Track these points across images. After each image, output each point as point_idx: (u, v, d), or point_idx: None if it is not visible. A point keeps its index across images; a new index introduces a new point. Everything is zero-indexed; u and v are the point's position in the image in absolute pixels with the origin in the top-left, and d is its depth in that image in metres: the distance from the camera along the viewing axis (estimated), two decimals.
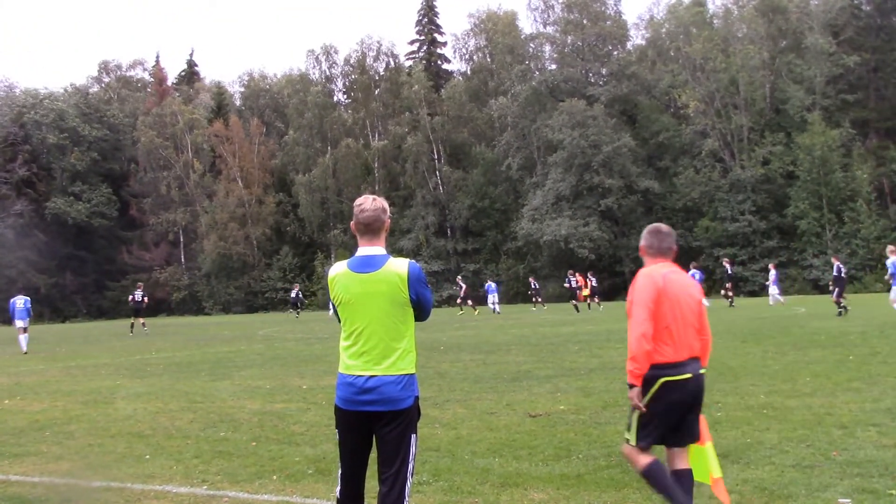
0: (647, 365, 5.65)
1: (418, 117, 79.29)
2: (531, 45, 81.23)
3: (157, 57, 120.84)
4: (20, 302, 31.81)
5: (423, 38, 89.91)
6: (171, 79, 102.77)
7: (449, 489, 7.32)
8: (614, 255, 68.18)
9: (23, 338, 30.62)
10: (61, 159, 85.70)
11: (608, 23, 75.37)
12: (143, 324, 42.44)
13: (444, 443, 9.29)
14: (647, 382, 5.71)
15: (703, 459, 5.93)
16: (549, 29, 79.36)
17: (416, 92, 79.31)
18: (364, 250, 5.20)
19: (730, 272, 44.47)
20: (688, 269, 44.79)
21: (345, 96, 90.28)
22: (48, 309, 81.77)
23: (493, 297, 49.59)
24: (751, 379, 13.38)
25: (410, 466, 5.10)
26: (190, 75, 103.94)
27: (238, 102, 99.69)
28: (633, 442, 5.84)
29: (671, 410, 5.76)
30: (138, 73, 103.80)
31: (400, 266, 5.13)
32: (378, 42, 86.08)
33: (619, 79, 72.30)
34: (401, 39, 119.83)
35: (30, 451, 9.88)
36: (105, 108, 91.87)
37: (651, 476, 5.75)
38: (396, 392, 5.00)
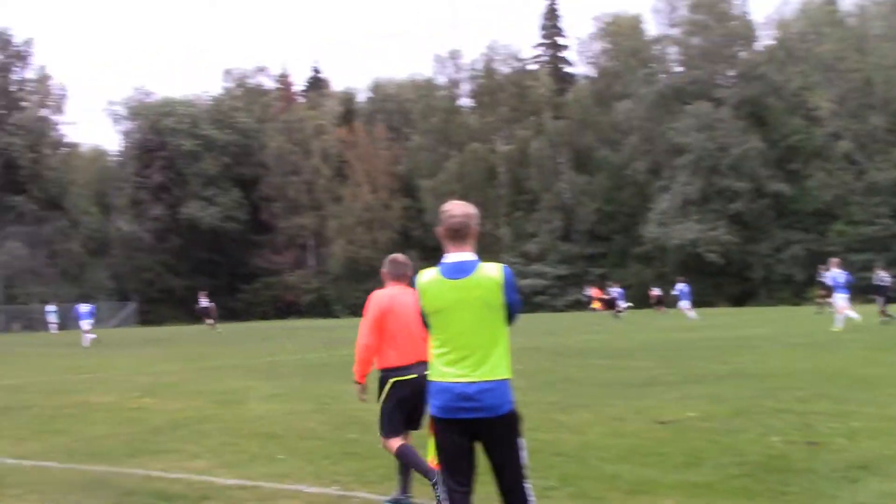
0: (368, 368, 7.26)
1: (543, 121, 79.10)
2: (656, 47, 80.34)
3: (283, 64, 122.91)
4: (86, 307, 38.18)
5: (547, 41, 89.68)
6: (298, 86, 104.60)
7: (577, 495, 7.29)
8: (744, 261, 66.90)
9: (87, 337, 36.16)
10: (195, 165, 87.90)
11: (735, 23, 74.01)
12: (211, 324, 48.76)
13: (571, 448, 9.23)
14: (382, 383, 7.22)
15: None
16: (674, 31, 78.21)
17: (541, 96, 79.14)
18: (453, 256, 5.09)
19: (614, 292, 46.87)
20: (826, 267, 43.92)
21: (470, 100, 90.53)
22: (183, 311, 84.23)
23: None
24: (889, 389, 12.97)
25: (526, 472, 5.10)
26: (316, 82, 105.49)
27: (365, 108, 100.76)
28: (382, 435, 7.30)
29: (403, 403, 7.17)
30: (262, 80, 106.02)
31: (493, 270, 5.03)
32: (505, 46, 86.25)
33: (747, 80, 70.92)
34: (525, 44, 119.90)
35: (169, 449, 10.17)
36: (235, 115, 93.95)
37: (403, 455, 7.17)
38: (496, 398, 4.95)
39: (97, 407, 14.46)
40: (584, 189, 76.93)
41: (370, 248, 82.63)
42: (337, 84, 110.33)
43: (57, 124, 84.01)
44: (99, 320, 72.50)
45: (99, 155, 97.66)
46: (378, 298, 7.21)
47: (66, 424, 12.53)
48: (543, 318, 53.67)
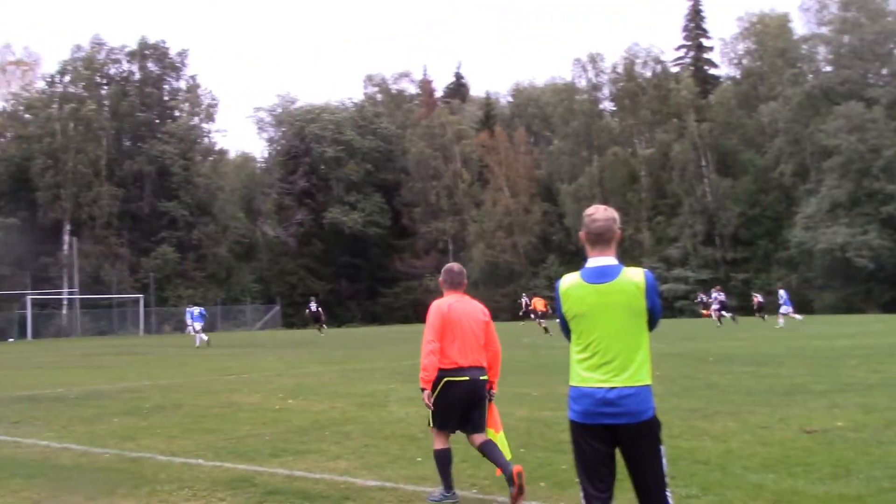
0: (434, 373, 7.50)
1: (686, 124, 77.93)
2: (804, 46, 78.24)
3: (425, 70, 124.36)
4: (197, 310, 41.08)
5: (689, 43, 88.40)
6: (439, 91, 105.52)
7: None
8: None
9: (199, 337, 39.30)
10: (337, 170, 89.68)
11: (889, 19, 71.58)
12: (322, 328, 51.42)
13: (713, 456, 9.06)
14: (436, 381, 7.53)
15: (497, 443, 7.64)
16: (824, 29, 76.18)
17: (684, 98, 78.00)
18: (596, 260, 5.06)
19: (717, 297, 47.11)
20: None
21: (611, 104, 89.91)
22: (326, 314, 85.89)
23: None
24: None
25: (667, 479, 5.02)
26: (458, 87, 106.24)
27: (505, 112, 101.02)
28: (431, 425, 7.78)
29: (453, 403, 7.52)
30: (404, 85, 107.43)
31: (636, 275, 5.00)
32: (645, 49, 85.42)
33: None
34: (667, 45, 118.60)
35: (311, 449, 10.36)
36: (377, 121, 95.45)
37: (437, 458, 7.73)
38: (638, 404, 4.89)
39: (243, 407, 14.85)
40: (727, 193, 75.50)
41: (510, 253, 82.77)
42: (477, 88, 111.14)
43: (208, 132, 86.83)
44: (244, 323, 75.14)
45: (246, 161, 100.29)
46: (438, 307, 7.85)
47: (213, 423, 12.90)
48: (684, 323, 52.86)
